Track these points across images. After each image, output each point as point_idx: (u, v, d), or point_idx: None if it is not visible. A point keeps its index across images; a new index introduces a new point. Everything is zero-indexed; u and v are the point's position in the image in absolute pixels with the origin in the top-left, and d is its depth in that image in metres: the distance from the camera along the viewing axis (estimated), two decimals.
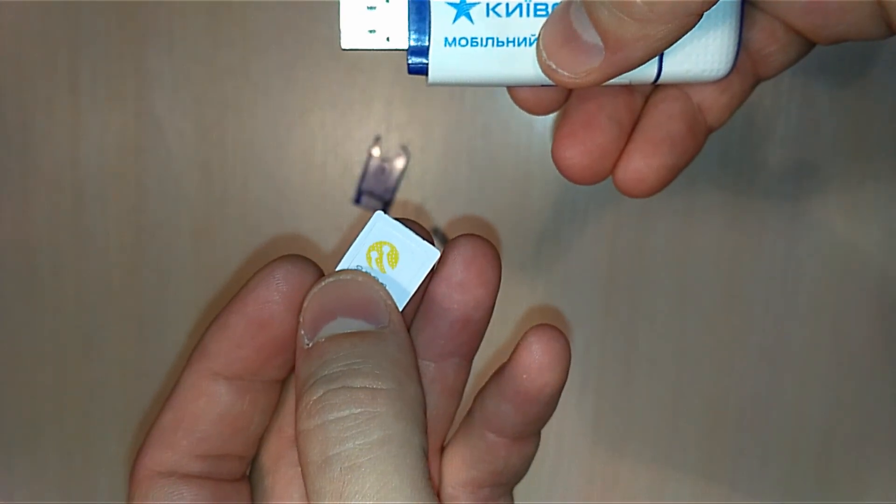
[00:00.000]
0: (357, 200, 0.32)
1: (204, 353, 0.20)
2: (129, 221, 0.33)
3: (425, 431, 0.17)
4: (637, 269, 0.32)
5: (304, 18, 0.32)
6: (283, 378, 0.20)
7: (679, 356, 0.33)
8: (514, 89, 0.22)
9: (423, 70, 0.20)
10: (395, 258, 0.19)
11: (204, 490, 0.20)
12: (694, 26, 0.18)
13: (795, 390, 0.33)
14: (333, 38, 0.32)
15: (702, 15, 0.18)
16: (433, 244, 0.19)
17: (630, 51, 0.18)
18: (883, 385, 0.32)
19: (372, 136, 0.32)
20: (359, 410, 0.16)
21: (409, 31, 0.20)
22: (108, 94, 0.32)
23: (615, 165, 0.22)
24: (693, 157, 0.23)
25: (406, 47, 0.20)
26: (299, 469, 0.19)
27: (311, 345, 0.18)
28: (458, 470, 0.22)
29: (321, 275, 0.19)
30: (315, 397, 0.17)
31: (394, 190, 0.32)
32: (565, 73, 0.19)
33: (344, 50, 0.20)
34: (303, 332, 0.18)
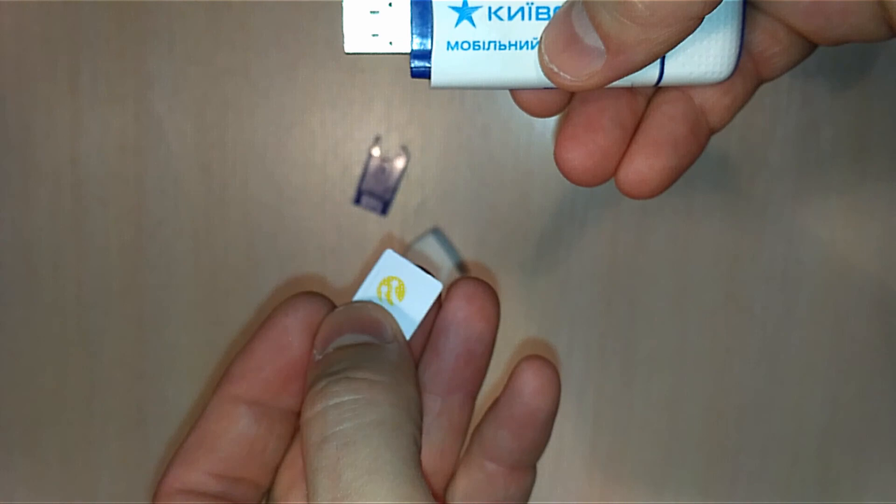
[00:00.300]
0: (357, 200, 0.32)
1: (228, 379, 0.21)
2: (129, 221, 0.33)
3: (420, 428, 0.18)
4: (637, 269, 0.32)
5: (305, 18, 0.32)
6: (299, 409, 0.21)
7: (679, 356, 0.33)
8: (516, 92, 0.22)
9: (426, 74, 0.20)
10: (402, 291, 0.21)
11: None
12: (695, 29, 0.18)
13: (795, 390, 0.33)
14: (334, 39, 0.32)
15: (703, 18, 0.18)
16: (437, 278, 0.21)
17: (632, 54, 0.19)
18: (883, 385, 0.32)
19: (372, 136, 0.32)
20: (358, 397, 0.18)
21: (412, 34, 0.20)
22: (108, 94, 0.32)
23: (617, 167, 0.22)
24: (695, 158, 0.23)
25: (409, 51, 0.20)
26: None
27: (320, 357, 0.19)
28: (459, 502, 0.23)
29: (333, 306, 0.21)
30: (318, 388, 0.18)
31: (394, 190, 0.32)
32: (567, 77, 0.19)
33: (347, 54, 0.20)
34: (315, 350, 0.20)
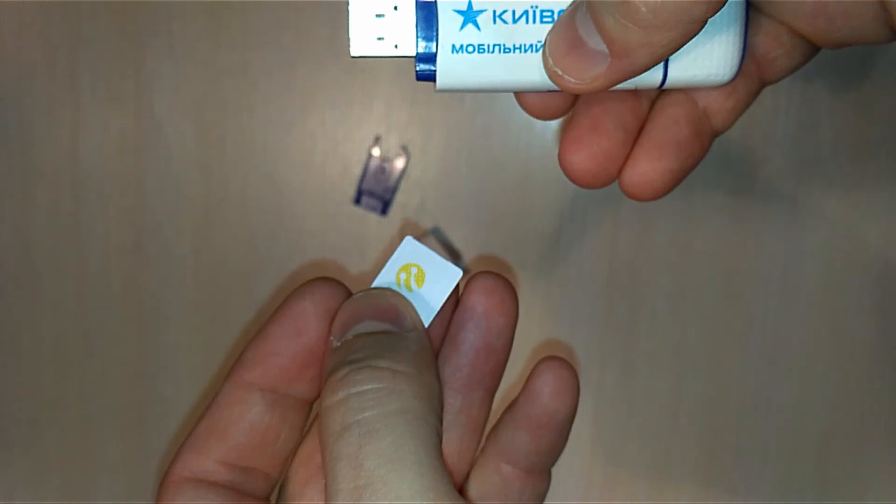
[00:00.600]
0: (357, 200, 0.32)
1: (242, 364, 0.21)
2: (129, 221, 0.33)
3: (441, 420, 0.18)
4: (637, 269, 0.32)
5: (304, 18, 0.32)
6: (313, 399, 0.21)
7: (679, 356, 0.33)
8: (521, 95, 0.22)
9: (431, 77, 0.20)
10: (421, 278, 0.21)
11: (228, 499, 0.20)
12: (698, 32, 0.18)
13: (795, 390, 0.33)
14: (334, 39, 0.32)
15: (706, 21, 0.18)
16: (459, 265, 0.21)
17: (635, 57, 0.19)
18: (883, 385, 0.32)
19: (372, 136, 0.32)
20: (380, 386, 0.17)
21: (417, 38, 0.20)
22: (108, 94, 0.32)
23: (621, 169, 0.22)
24: (699, 160, 0.23)
25: (414, 54, 0.20)
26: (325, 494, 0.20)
27: (339, 344, 0.19)
28: None
29: (349, 293, 0.21)
30: (339, 376, 0.18)
31: (394, 190, 0.32)
32: (571, 79, 0.19)
33: (353, 57, 0.20)
34: (332, 337, 0.20)
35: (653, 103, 0.23)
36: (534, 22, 0.20)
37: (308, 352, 0.20)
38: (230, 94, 0.32)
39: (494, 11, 0.20)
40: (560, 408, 0.21)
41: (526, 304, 0.33)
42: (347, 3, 0.20)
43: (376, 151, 0.32)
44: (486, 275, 0.21)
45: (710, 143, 0.23)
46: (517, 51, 0.20)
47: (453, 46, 0.20)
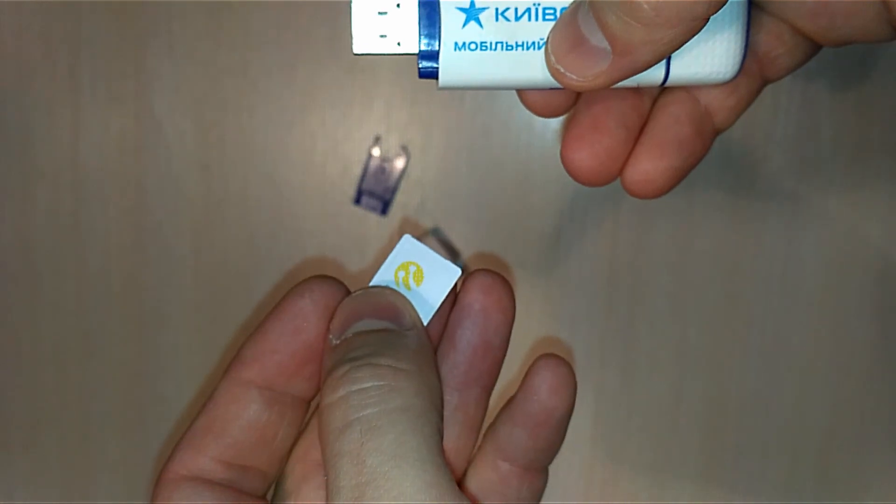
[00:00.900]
0: (357, 200, 0.32)
1: (240, 361, 0.21)
2: (129, 221, 0.33)
3: (442, 417, 0.18)
4: (637, 269, 0.32)
5: (304, 18, 0.32)
6: (311, 397, 0.21)
7: (679, 356, 0.33)
8: (523, 92, 0.22)
9: (433, 74, 0.20)
10: (420, 277, 0.21)
11: (226, 498, 0.20)
12: (700, 30, 0.18)
13: (795, 390, 0.33)
14: (334, 38, 0.32)
15: (708, 19, 0.18)
16: (457, 263, 0.21)
17: (637, 55, 0.19)
18: (883, 385, 0.32)
19: (372, 136, 0.32)
20: (382, 383, 0.17)
21: (420, 35, 0.20)
22: (108, 94, 0.32)
23: (623, 167, 0.22)
24: (700, 159, 0.23)
25: (417, 52, 0.20)
26: (321, 492, 0.20)
27: (338, 342, 0.19)
28: None
29: (348, 290, 0.21)
30: (340, 373, 0.18)
31: (394, 190, 0.32)
32: (573, 77, 0.20)
33: (356, 55, 0.20)
34: (331, 335, 0.20)
35: (654, 101, 0.23)
36: (536, 19, 0.20)
37: (306, 350, 0.20)
38: (230, 94, 0.32)
39: (497, 9, 0.20)
40: (558, 405, 0.21)
41: (526, 303, 0.33)
42: (350, 1, 0.20)
43: (376, 151, 0.32)
44: (484, 273, 0.22)
45: (711, 141, 0.23)
46: (519, 48, 0.20)
47: (456, 44, 0.20)
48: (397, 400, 0.17)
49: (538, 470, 0.22)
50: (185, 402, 0.33)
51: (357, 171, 0.32)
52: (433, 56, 0.20)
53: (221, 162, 0.32)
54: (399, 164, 0.32)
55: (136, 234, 0.33)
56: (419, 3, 0.20)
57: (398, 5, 0.20)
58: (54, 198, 0.33)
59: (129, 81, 0.32)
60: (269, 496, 0.22)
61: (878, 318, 0.32)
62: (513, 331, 0.22)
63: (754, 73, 0.22)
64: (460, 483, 0.23)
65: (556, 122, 0.32)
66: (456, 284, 0.21)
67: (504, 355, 0.22)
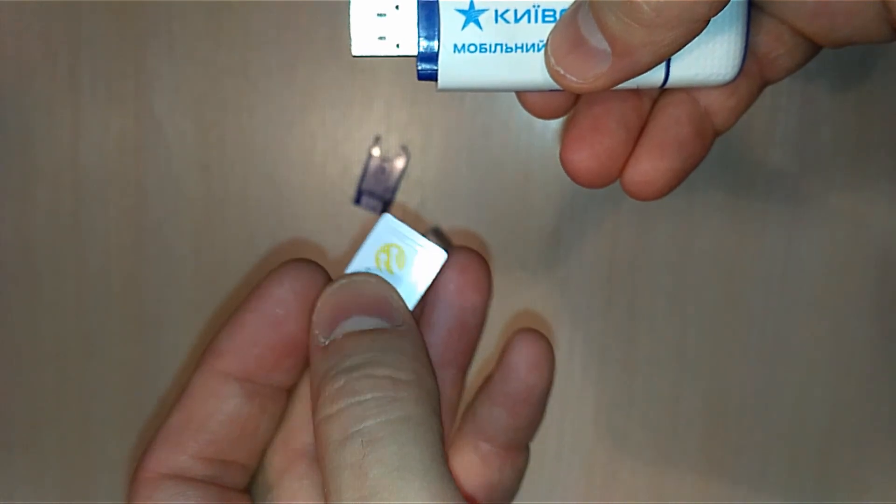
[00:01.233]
0: (357, 200, 0.32)
1: (216, 353, 0.20)
2: (129, 221, 0.33)
3: (441, 422, 0.18)
4: (637, 269, 0.32)
5: (304, 18, 0.32)
6: (291, 386, 0.21)
7: (679, 356, 0.33)
8: (522, 94, 0.22)
9: (432, 76, 0.20)
10: (402, 260, 0.20)
11: (209, 495, 0.20)
12: (701, 32, 0.18)
13: (795, 390, 0.33)
14: (334, 38, 0.32)
15: (709, 21, 0.18)
16: (441, 246, 0.20)
17: (638, 56, 0.19)
18: (883, 385, 0.32)
19: (372, 136, 0.32)
20: (381, 394, 0.17)
21: (419, 37, 0.20)
22: (108, 94, 0.32)
23: (623, 169, 0.22)
24: (700, 160, 0.23)
25: (416, 54, 0.20)
26: (305, 482, 0.20)
27: (327, 343, 0.18)
28: None
29: (329, 278, 0.20)
30: (337, 385, 0.17)
31: (394, 190, 0.32)
32: (573, 79, 0.19)
33: (354, 57, 0.20)
34: (317, 331, 0.19)
35: (654, 102, 0.23)
36: (536, 21, 0.20)
37: (287, 342, 0.20)
38: (230, 94, 0.32)
39: (496, 11, 0.20)
40: (537, 382, 0.21)
41: (526, 303, 0.33)
42: (349, 2, 0.20)
43: (376, 151, 0.32)
44: (460, 251, 0.21)
45: (711, 142, 0.23)
46: (519, 50, 0.20)
47: (455, 46, 0.20)
48: (398, 410, 0.17)
49: (519, 448, 0.22)
50: None
51: (357, 171, 0.32)
52: (432, 58, 0.20)
53: (221, 162, 0.32)
54: (399, 164, 0.32)
55: (136, 234, 0.33)
56: (418, 4, 0.20)
57: (397, 7, 0.20)
58: (54, 198, 0.33)
59: (129, 81, 0.32)
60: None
61: (878, 318, 0.32)
62: (511, 329, 0.22)
63: (754, 74, 0.22)
64: None
65: (555, 123, 0.32)
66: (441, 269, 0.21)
67: (480, 335, 0.22)
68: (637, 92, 0.22)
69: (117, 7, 0.32)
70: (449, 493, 0.16)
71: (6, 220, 0.33)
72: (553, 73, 0.20)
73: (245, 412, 0.20)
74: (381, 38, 0.20)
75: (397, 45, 0.20)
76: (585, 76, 0.19)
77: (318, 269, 0.20)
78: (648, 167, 0.22)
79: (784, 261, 0.32)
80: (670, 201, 0.32)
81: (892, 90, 0.31)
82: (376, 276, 0.20)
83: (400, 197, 0.32)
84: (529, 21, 0.20)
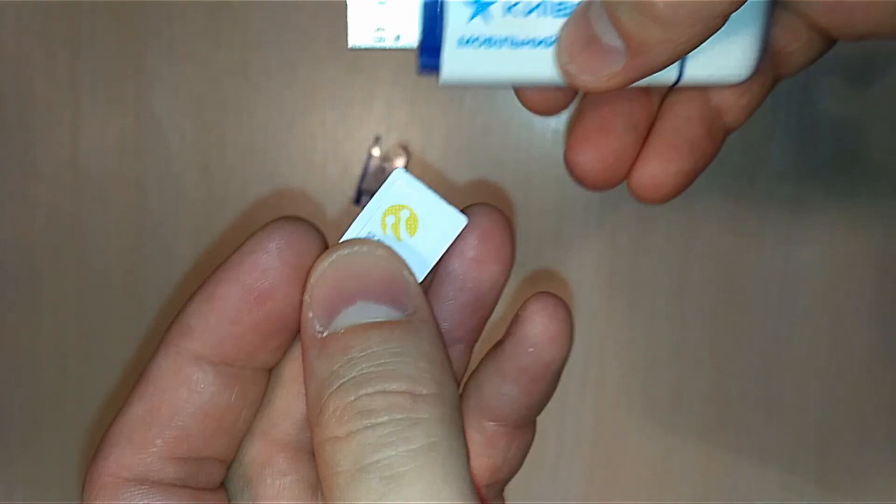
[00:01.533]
0: (357, 200, 0.32)
1: (186, 332, 0.17)
2: (129, 221, 0.33)
3: (464, 435, 0.16)
4: (637, 270, 0.32)
5: (304, 18, 0.32)
6: (274, 366, 0.18)
7: (679, 356, 0.33)
8: (521, 90, 0.21)
9: (434, 70, 0.19)
10: (414, 225, 0.17)
11: (181, 501, 0.17)
12: (719, 29, 0.17)
13: (795, 390, 0.33)
14: (334, 38, 0.32)
15: (728, 17, 0.17)
16: (461, 210, 0.17)
17: (653, 55, 0.18)
18: (882, 385, 0.32)
19: (372, 136, 0.32)
20: (400, 417, 0.15)
21: (422, 28, 0.19)
22: (108, 94, 0.32)
23: (630, 170, 0.21)
24: (711, 160, 0.22)
25: (417, 46, 0.19)
26: (288, 479, 0.18)
27: (326, 334, 0.16)
28: None
29: (325, 241, 0.17)
30: (347, 402, 0.15)
31: None
32: (587, 77, 0.18)
33: (351, 49, 0.19)
34: (312, 314, 0.16)
35: (663, 99, 0.22)
36: (546, 15, 0.19)
37: (273, 320, 0.17)
38: (230, 94, 0.32)
39: (506, 3, 0.18)
40: (556, 356, 0.18)
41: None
42: None
43: (376, 151, 0.32)
44: (482, 210, 0.18)
45: (722, 141, 0.22)
46: (528, 45, 0.19)
47: (460, 39, 0.19)
48: (421, 437, 0.14)
49: (527, 426, 0.20)
50: None
51: (357, 171, 0.32)
52: (435, 51, 0.19)
53: (221, 162, 0.32)
54: (399, 164, 0.32)
55: (136, 234, 0.33)
56: None
57: None
58: (54, 198, 0.33)
59: (129, 81, 0.32)
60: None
61: (878, 318, 0.32)
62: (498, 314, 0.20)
63: (767, 70, 0.21)
64: None
65: (556, 123, 0.32)
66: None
67: (493, 310, 0.19)
68: (647, 90, 0.21)
69: (117, 7, 0.32)
70: None
71: (6, 220, 0.33)
72: (565, 71, 0.19)
73: (222, 402, 0.17)
74: (379, 28, 0.19)
75: (397, 37, 0.19)
76: (599, 75, 0.18)
77: (310, 229, 0.17)
78: (658, 169, 0.21)
79: (784, 261, 0.32)
80: (670, 202, 0.32)
81: (892, 90, 0.31)
82: (384, 246, 0.16)
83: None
84: (540, 15, 0.19)
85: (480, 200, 0.18)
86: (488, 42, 0.19)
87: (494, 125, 0.32)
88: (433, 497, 0.14)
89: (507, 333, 0.18)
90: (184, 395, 0.17)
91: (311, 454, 0.18)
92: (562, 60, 0.19)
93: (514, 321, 0.18)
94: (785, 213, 0.32)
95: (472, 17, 0.19)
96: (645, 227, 0.32)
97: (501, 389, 0.18)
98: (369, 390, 0.15)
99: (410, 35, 0.19)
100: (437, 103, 0.32)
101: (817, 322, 0.32)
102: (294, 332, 0.17)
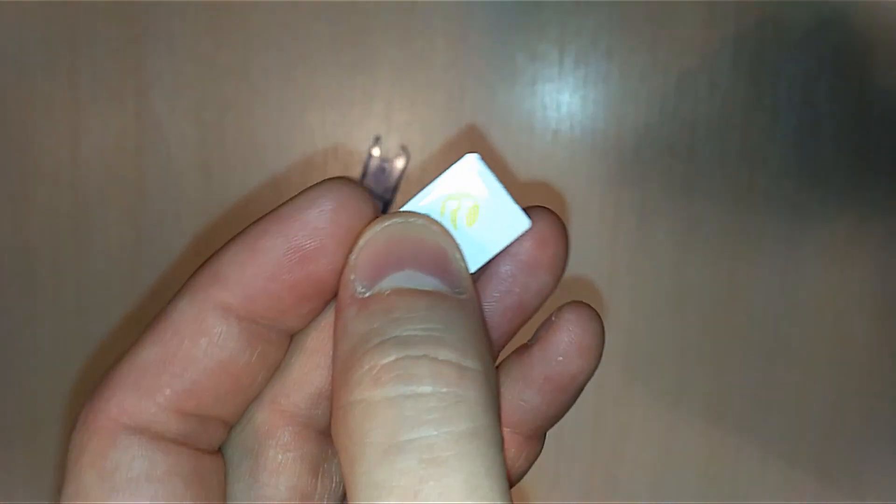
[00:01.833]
0: None
1: (218, 281, 0.16)
2: (129, 221, 0.33)
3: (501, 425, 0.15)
4: (637, 269, 0.32)
5: (304, 18, 0.32)
6: (298, 331, 0.17)
7: (679, 356, 0.33)
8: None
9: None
10: (475, 215, 0.16)
11: (181, 461, 0.15)
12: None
13: (796, 389, 0.33)
14: (333, 38, 0.32)
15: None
16: (526, 212, 0.16)
17: None
18: (883, 385, 0.32)
19: (372, 136, 0.32)
20: (445, 390, 0.13)
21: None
22: (108, 94, 0.32)
23: None
24: None
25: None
26: (290, 455, 0.16)
27: (367, 294, 0.14)
28: None
29: (377, 210, 0.16)
30: (387, 361, 0.13)
31: (394, 190, 0.32)
32: None
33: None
34: (354, 276, 0.15)
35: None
36: None
37: (313, 283, 0.15)
38: (230, 94, 0.32)
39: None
40: (585, 368, 0.17)
41: None
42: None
43: (376, 151, 0.32)
44: (541, 215, 0.16)
45: None
46: None
47: None
48: (465, 420, 0.13)
49: (538, 437, 0.19)
50: None
51: (357, 171, 0.32)
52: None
53: (221, 162, 0.32)
54: (399, 164, 0.32)
55: (136, 234, 0.33)
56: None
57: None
58: (54, 198, 0.33)
59: (129, 81, 0.32)
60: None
61: (878, 319, 0.32)
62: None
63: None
64: None
65: (556, 123, 0.32)
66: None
67: (530, 318, 0.18)
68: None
69: (117, 7, 0.32)
70: None
71: (6, 220, 0.33)
72: None
73: (242, 360, 0.15)
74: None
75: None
76: None
77: (364, 194, 0.15)
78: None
79: (784, 260, 0.32)
80: (670, 201, 0.32)
81: (893, 90, 0.31)
82: (440, 224, 0.15)
83: (400, 197, 0.32)
84: None
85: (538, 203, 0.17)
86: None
87: (494, 125, 0.32)
88: (475, 490, 0.12)
89: (537, 338, 0.17)
90: (203, 345, 0.15)
91: (318, 432, 0.17)
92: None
93: (545, 326, 0.17)
94: (785, 213, 0.32)
95: None
96: (645, 226, 0.32)
97: (523, 396, 0.17)
98: (415, 353, 0.13)
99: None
100: (437, 104, 0.32)
101: (818, 321, 0.32)
102: (328, 300, 0.16)
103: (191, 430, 0.15)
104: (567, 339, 0.17)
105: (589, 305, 0.17)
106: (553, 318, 0.17)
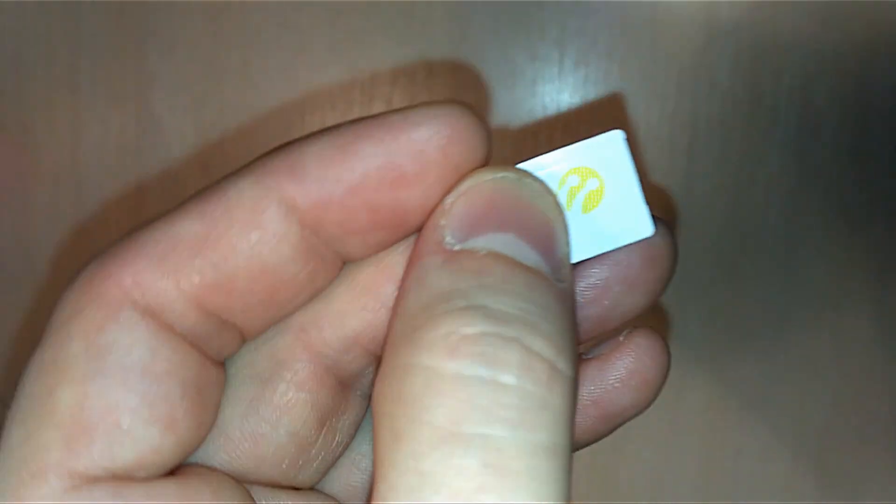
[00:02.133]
0: None
1: (295, 172, 0.13)
2: (129, 221, 0.33)
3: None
4: None
5: (304, 18, 0.32)
6: (352, 260, 0.14)
7: (679, 356, 0.33)
8: None
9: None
10: (594, 202, 0.14)
11: (185, 363, 0.13)
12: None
13: (796, 390, 0.33)
14: (333, 38, 0.32)
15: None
16: (654, 219, 0.14)
17: None
18: (882, 385, 0.32)
19: None
20: (532, 388, 0.11)
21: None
22: (108, 94, 0.32)
23: None
24: None
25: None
26: (301, 396, 0.14)
27: (458, 248, 0.12)
28: None
29: (490, 154, 0.14)
30: (469, 332, 0.11)
31: None
32: None
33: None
34: (444, 221, 0.13)
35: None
36: None
37: (397, 212, 0.13)
38: (230, 94, 0.32)
39: None
40: (638, 403, 0.15)
41: None
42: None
43: None
44: (661, 228, 0.14)
45: None
46: None
47: None
48: (546, 430, 0.11)
49: None
50: None
51: None
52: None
53: (221, 162, 0.32)
54: None
55: None
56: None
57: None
58: (54, 198, 0.33)
59: (129, 81, 0.32)
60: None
61: (878, 319, 0.32)
62: None
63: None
64: None
65: (556, 122, 0.32)
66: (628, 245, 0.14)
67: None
68: None
69: (117, 7, 0.32)
70: None
71: (6, 220, 0.33)
72: None
73: (290, 271, 0.13)
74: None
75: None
76: None
77: (485, 131, 0.13)
78: None
79: (784, 260, 0.32)
80: (670, 201, 0.32)
81: (892, 90, 0.31)
82: (556, 199, 0.13)
83: None
84: None
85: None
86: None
87: (494, 125, 0.32)
88: None
89: (597, 355, 0.15)
90: (253, 239, 0.13)
91: (338, 381, 0.15)
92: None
93: (610, 345, 0.15)
94: (785, 212, 0.32)
95: None
96: None
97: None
98: (507, 333, 0.11)
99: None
100: None
101: (817, 322, 0.32)
102: (403, 236, 0.14)
103: (205, 332, 0.13)
104: (632, 365, 0.15)
105: (663, 338, 0.15)
106: (621, 339, 0.15)
